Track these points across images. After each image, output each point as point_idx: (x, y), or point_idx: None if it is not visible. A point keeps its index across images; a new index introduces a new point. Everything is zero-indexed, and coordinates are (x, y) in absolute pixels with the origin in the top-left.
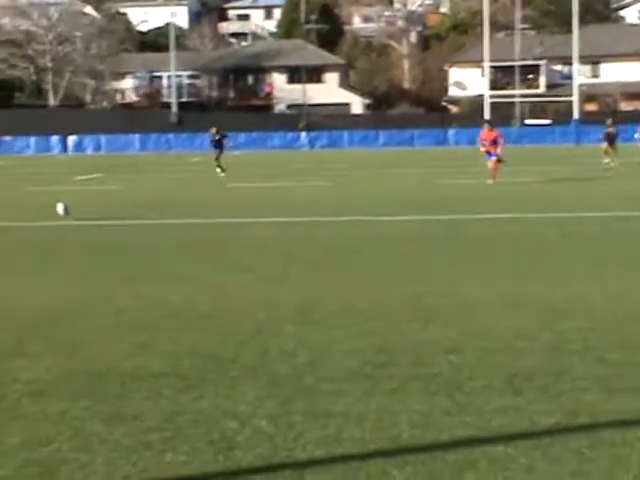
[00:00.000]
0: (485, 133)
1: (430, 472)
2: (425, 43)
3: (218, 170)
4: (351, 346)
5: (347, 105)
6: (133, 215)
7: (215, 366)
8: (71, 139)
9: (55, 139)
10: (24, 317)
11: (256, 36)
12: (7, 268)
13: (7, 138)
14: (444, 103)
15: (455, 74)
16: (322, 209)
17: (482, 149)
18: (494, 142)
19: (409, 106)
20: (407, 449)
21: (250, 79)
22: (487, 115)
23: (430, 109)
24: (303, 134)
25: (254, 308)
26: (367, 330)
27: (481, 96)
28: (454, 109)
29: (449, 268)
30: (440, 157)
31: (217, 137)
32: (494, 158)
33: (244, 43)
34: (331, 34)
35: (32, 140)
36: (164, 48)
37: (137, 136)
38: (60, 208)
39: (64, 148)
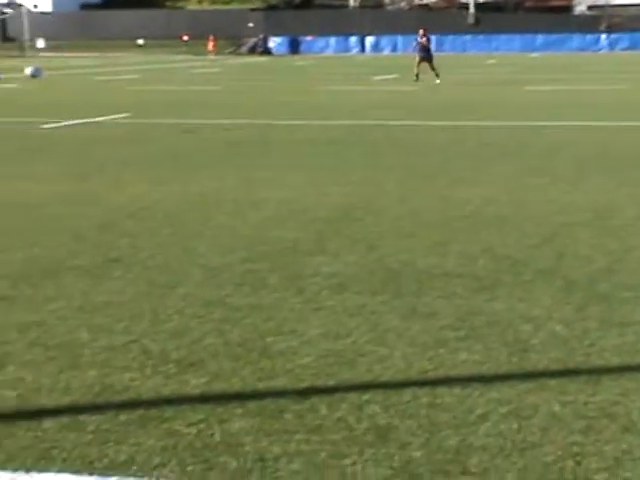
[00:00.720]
0: None
1: None
2: None
3: (414, 78)
4: None
5: None
6: (429, 116)
7: (509, 268)
8: (369, 40)
9: (354, 40)
10: (323, 214)
11: None
12: (306, 166)
13: (308, 38)
14: None
15: None
16: (621, 113)
17: None
18: None
19: None
20: None
21: None
22: None
23: None
24: (603, 36)
25: (549, 212)
26: None
27: None
28: None
29: None
30: None
31: (423, 39)
32: None
33: None
34: None
35: (332, 40)
36: None
37: (434, 37)
38: (28, 70)
39: (362, 49)
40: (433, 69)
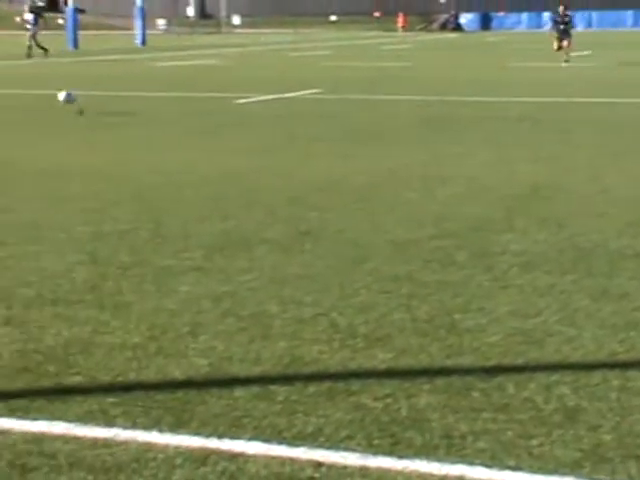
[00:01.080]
0: None
1: None
2: None
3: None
4: None
5: None
6: (621, 93)
7: None
8: None
9: (546, 15)
10: (512, 192)
11: None
12: (495, 143)
13: (500, 14)
14: None
15: None
16: None
17: None
18: None
19: None
20: None
21: None
22: None
23: None
24: None
25: None
26: None
27: None
28: None
29: None
30: None
31: (566, 19)
32: None
33: None
34: None
35: (524, 16)
36: None
37: (630, 12)
38: (61, 96)
39: None
40: (564, 48)
